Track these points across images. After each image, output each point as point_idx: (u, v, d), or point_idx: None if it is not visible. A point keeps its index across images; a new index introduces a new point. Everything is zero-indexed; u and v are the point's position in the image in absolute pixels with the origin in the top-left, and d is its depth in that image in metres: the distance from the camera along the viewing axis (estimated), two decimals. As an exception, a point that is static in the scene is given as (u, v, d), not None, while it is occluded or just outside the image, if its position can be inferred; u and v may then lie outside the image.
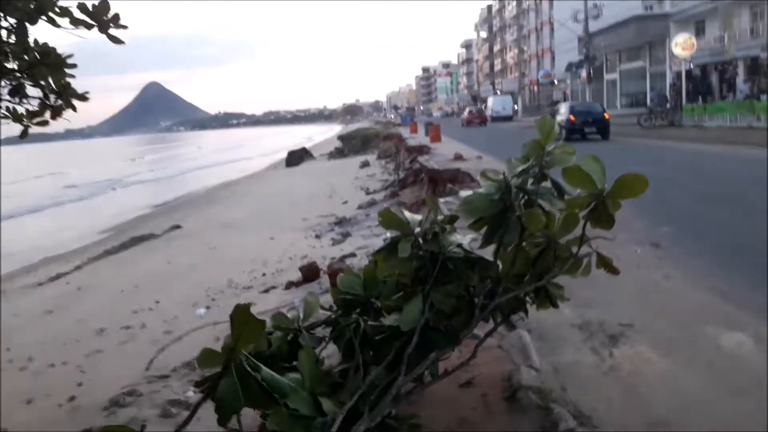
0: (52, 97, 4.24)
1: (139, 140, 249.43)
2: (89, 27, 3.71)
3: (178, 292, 9.31)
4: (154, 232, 17.06)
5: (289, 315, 2.86)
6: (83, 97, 4.43)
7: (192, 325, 7.14)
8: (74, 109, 4.38)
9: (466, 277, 2.19)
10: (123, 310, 8.81)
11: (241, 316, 1.53)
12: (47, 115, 4.22)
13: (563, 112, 28.04)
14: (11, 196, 36.55)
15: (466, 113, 53.31)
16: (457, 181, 11.89)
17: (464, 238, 2.24)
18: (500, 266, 2.30)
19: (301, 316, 2.85)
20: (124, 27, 3.81)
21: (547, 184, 2.24)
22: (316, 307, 2.83)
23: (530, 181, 2.16)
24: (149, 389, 5.00)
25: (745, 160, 12.10)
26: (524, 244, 2.24)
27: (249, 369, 1.57)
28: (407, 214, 2.28)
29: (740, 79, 31.18)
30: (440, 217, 2.24)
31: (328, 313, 2.85)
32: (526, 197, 2.11)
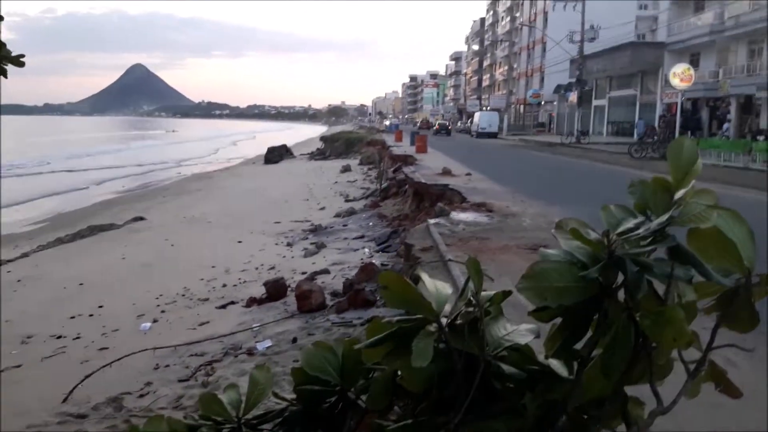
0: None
1: (122, 123, 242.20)
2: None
3: (126, 296, 8.29)
4: (114, 222, 15.93)
5: (224, 397, 1.87)
6: (19, 62, 3.60)
7: (133, 341, 6.15)
8: (5, 75, 3.56)
9: (520, 404, 1.28)
10: (60, 312, 7.78)
11: None
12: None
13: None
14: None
15: (436, 125, 66.87)
16: (445, 198, 11.00)
17: (519, 330, 1.32)
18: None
19: (243, 401, 1.87)
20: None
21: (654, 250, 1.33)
22: (266, 390, 1.86)
23: (642, 244, 1.25)
24: (58, 432, 4.00)
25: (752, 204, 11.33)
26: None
27: None
28: (427, 280, 1.36)
29: (730, 116, 30.95)
30: (484, 294, 1.31)
31: (284, 402, 1.89)
32: (638, 278, 1.20)
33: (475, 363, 1.31)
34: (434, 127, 65.44)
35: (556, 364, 1.36)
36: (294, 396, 1.83)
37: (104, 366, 4.97)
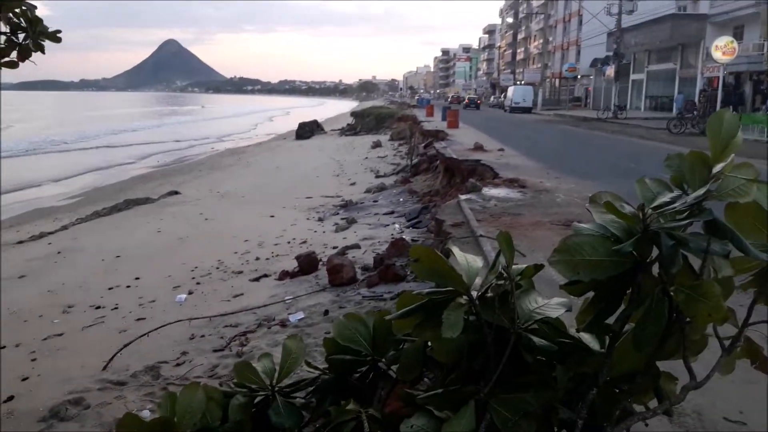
0: (21, 35, 3.60)
1: (157, 98, 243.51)
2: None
3: (162, 268, 8.48)
4: (150, 197, 16.25)
5: (258, 365, 1.92)
6: (56, 38, 3.72)
7: (169, 312, 6.32)
8: (42, 50, 3.70)
9: (551, 377, 1.28)
10: (99, 284, 8.00)
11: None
12: (14, 55, 3.61)
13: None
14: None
15: (466, 99, 67.73)
16: (477, 174, 10.92)
17: (551, 303, 1.32)
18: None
19: (277, 370, 1.91)
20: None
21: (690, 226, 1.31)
22: (299, 359, 1.90)
23: (678, 218, 1.23)
24: (99, 399, 4.16)
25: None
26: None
27: None
28: (458, 253, 1.36)
29: (772, 92, 29.92)
30: (516, 267, 1.32)
31: (316, 371, 1.94)
32: (673, 252, 1.19)
33: (506, 335, 1.32)
34: (464, 102, 65.80)
35: (587, 338, 1.36)
36: (326, 365, 1.87)
37: (142, 336, 5.11)
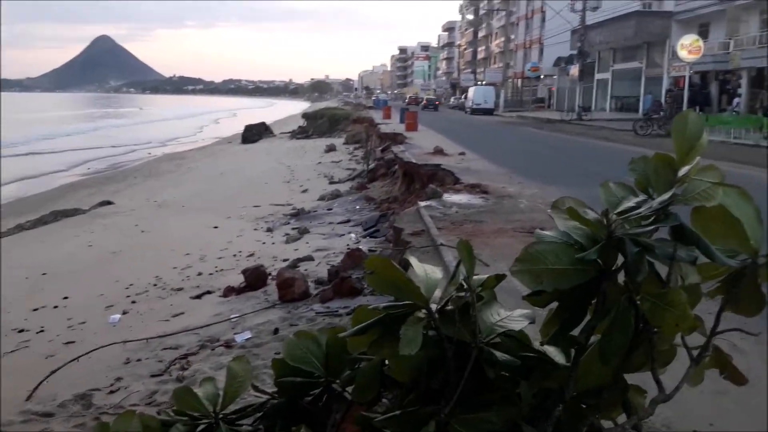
0: None
1: (89, 100, 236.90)
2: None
3: (94, 286, 8.28)
4: (80, 207, 15.84)
5: (200, 391, 1.88)
6: None
7: (101, 335, 6.15)
8: None
9: (514, 394, 1.30)
10: (22, 305, 7.74)
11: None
12: None
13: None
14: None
15: (424, 100, 71.16)
16: (437, 179, 11.03)
17: (513, 315, 1.34)
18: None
19: (221, 395, 1.88)
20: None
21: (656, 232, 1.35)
22: (245, 383, 1.87)
23: (643, 223, 1.27)
24: (22, 433, 4.01)
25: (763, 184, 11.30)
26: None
27: None
28: (416, 264, 1.37)
29: (740, 91, 31.11)
30: (477, 278, 1.33)
31: (264, 396, 1.92)
32: (638, 259, 1.22)
33: (467, 350, 1.33)
34: (422, 103, 67.28)
35: (552, 351, 1.38)
36: (275, 389, 1.85)
37: (71, 361, 4.98)
